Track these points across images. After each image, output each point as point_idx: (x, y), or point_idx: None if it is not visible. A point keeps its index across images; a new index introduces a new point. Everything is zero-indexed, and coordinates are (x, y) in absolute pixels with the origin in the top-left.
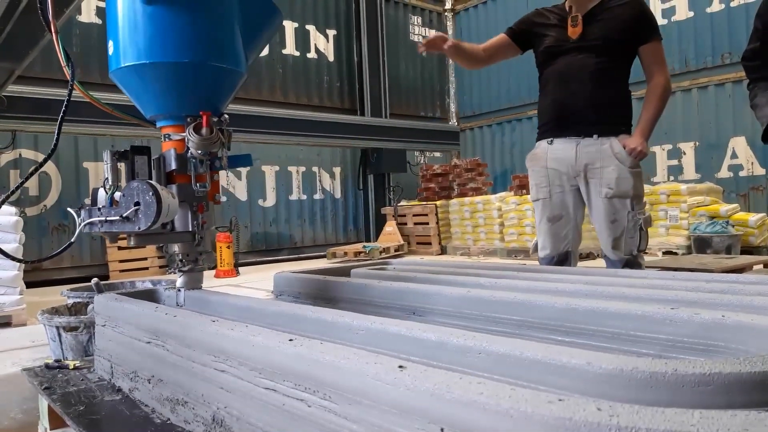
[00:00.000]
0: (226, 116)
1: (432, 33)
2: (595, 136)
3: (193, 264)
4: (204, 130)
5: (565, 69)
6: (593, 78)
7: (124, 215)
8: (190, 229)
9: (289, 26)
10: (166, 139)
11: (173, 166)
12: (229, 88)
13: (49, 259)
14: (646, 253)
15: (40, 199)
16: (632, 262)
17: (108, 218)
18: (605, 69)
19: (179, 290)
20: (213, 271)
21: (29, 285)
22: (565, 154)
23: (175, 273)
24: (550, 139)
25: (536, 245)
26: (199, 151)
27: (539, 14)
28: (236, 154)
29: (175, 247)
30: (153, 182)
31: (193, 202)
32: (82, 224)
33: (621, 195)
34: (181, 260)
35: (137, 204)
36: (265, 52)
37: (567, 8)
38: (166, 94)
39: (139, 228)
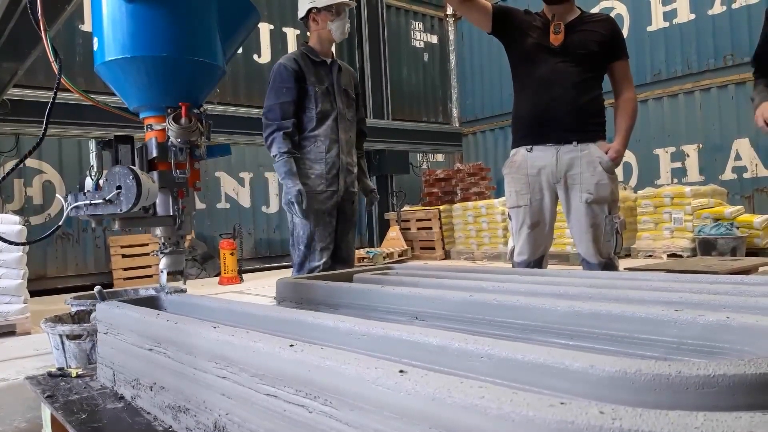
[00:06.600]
0: (206, 107)
1: None
2: (574, 142)
3: (175, 246)
4: (183, 120)
5: (548, 74)
6: (575, 85)
7: (107, 198)
8: (171, 213)
9: (291, 33)
10: (148, 129)
11: (154, 154)
12: (207, 81)
13: (39, 241)
14: (620, 256)
15: (44, 207)
16: (609, 265)
17: (92, 201)
18: (585, 78)
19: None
20: (217, 279)
21: (33, 294)
22: (545, 162)
23: (158, 255)
24: (529, 147)
25: (513, 250)
26: (179, 140)
27: (527, 13)
28: (215, 143)
29: (158, 231)
30: (134, 167)
31: (174, 188)
32: (69, 207)
33: (600, 200)
34: (163, 243)
35: (119, 188)
36: (268, 58)
37: (549, 16)
38: (147, 87)
39: (120, 210)
